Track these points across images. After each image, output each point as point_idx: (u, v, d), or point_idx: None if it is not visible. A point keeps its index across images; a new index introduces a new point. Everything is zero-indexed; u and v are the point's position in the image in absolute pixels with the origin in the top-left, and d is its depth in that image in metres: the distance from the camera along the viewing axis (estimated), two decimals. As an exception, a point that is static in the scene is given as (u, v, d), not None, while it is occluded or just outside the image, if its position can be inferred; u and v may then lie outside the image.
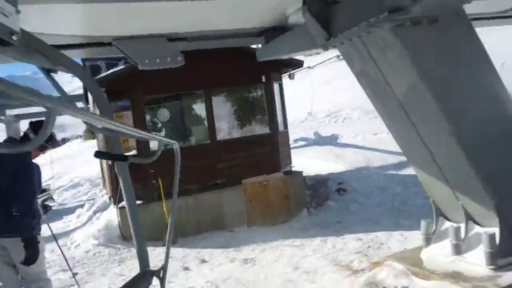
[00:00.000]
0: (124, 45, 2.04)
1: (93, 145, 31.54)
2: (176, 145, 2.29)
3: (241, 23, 2.39)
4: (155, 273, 2.08)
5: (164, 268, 2.11)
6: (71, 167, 19.78)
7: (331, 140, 14.67)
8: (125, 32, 2.00)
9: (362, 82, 4.16)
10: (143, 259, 2.00)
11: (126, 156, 3.10)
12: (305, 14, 2.88)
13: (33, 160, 3.92)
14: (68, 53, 2.00)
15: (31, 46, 1.54)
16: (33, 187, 3.74)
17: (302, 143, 15.29)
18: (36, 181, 3.79)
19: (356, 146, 13.14)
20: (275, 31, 3.15)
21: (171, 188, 7.63)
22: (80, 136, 66.42)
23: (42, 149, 4.05)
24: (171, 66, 2.02)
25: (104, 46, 2.14)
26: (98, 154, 3.40)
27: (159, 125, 9.30)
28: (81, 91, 12.62)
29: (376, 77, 3.73)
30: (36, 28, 1.69)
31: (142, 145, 8.16)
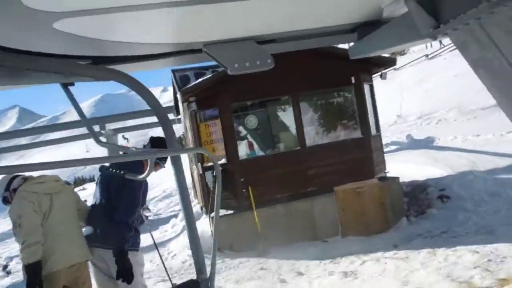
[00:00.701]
0: (214, 50, 1.81)
1: (182, 156, 32.76)
2: (205, 151, 2.28)
3: (332, 20, 2.06)
4: (202, 282, 2.09)
5: (210, 278, 2.08)
6: (163, 177, 20.65)
7: (426, 143, 13.62)
8: (215, 37, 1.79)
9: (479, 72, 3.60)
10: (200, 266, 1.99)
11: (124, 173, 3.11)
12: (408, 2, 2.54)
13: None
14: (157, 63, 1.94)
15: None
16: (136, 200, 3.63)
17: (393, 147, 14.40)
18: (140, 195, 3.68)
19: (457, 149, 12.01)
20: (368, 26, 2.79)
21: (262, 196, 7.42)
22: (169, 148, 70.70)
23: (156, 166, 3.95)
24: (260, 69, 1.84)
25: (194, 53, 1.91)
26: (101, 168, 3.48)
27: (242, 133, 9.18)
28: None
29: (500, 65, 3.17)
30: (122, 37, 1.61)
31: (231, 152, 8.09)
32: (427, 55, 44.12)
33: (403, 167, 10.84)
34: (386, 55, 9.74)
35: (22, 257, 3.25)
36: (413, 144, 13.96)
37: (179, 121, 12.20)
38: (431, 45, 49.18)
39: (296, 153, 8.50)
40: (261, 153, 8.96)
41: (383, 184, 8.30)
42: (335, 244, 7.32)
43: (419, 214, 8.26)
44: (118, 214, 3.54)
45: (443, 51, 42.24)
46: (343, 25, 2.17)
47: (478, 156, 11.05)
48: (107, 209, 3.64)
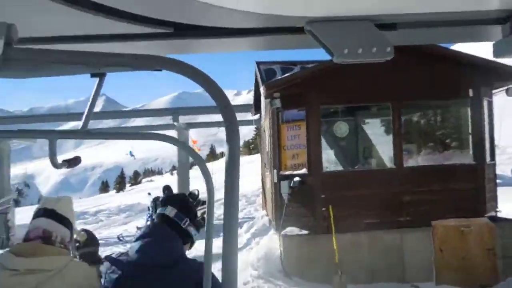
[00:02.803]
0: (320, 30, 1.35)
1: (248, 161, 32.42)
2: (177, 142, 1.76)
3: (476, 4, 1.44)
4: None
5: None
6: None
7: (538, 182, 11.54)
8: (321, 13, 1.31)
9: None
10: None
11: None
12: None
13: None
14: (243, 42, 1.50)
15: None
16: None
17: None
18: None
19: None
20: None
21: (343, 219, 6.11)
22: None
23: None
24: (376, 59, 1.26)
25: (292, 33, 1.46)
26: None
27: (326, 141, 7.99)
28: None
29: None
30: None
31: (314, 163, 6.94)
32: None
33: (510, 206, 9.05)
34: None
35: None
36: (521, 180, 11.93)
37: (256, 122, 11.32)
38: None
39: (389, 173, 7.14)
40: (341, 168, 7.75)
41: (494, 226, 6.75)
42: (428, 292, 5.96)
43: (539, 271, 6.58)
44: None
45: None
46: (491, 11, 1.59)
47: None
48: None
